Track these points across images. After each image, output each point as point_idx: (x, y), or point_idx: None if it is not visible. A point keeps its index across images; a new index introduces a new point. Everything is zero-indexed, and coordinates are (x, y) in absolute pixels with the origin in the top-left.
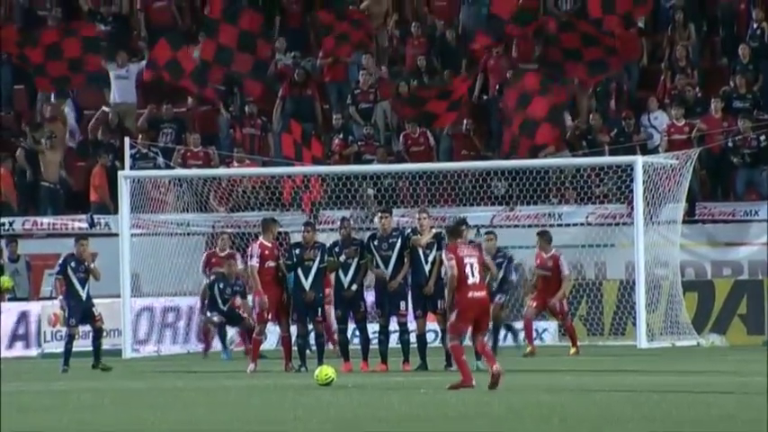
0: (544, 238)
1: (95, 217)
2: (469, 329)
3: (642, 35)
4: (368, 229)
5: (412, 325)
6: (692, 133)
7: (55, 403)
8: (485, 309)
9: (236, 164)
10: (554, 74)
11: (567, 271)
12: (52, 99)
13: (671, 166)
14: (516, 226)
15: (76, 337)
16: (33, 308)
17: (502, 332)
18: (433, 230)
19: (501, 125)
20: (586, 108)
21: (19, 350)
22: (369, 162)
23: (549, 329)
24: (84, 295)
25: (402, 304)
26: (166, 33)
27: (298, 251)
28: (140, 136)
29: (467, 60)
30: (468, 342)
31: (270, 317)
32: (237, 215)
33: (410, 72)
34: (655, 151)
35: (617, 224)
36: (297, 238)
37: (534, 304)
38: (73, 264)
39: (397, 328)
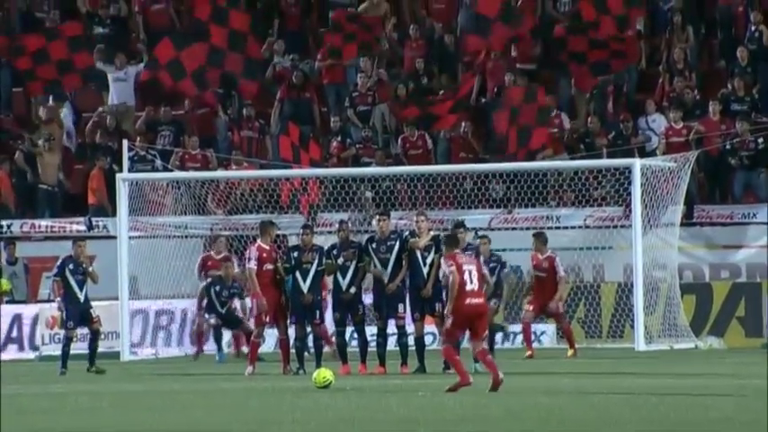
0: (540, 239)
1: (93, 219)
2: (467, 335)
3: (640, 38)
4: (366, 231)
5: (410, 327)
6: (690, 136)
7: (53, 406)
8: (482, 315)
9: (234, 166)
10: (556, 75)
11: (563, 272)
12: (50, 102)
13: (669, 168)
14: (514, 228)
15: (74, 339)
16: (27, 311)
17: (499, 335)
18: (431, 233)
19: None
20: (584, 111)
21: (12, 353)
22: (367, 165)
23: (547, 332)
24: (81, 297)
25: (400, 307)
26: (170, 33)
27: (296, 254)
28: (138, 138)
29: (463, 64)
30: (465, 345)
31: (268, 319)
32: (235, 218)
33: (408, 74)
34: (653, 154)
35: (615, 227)
36: (295, 240)
37: (531, 308)
38: (71, 266)
39: (396, 330)
